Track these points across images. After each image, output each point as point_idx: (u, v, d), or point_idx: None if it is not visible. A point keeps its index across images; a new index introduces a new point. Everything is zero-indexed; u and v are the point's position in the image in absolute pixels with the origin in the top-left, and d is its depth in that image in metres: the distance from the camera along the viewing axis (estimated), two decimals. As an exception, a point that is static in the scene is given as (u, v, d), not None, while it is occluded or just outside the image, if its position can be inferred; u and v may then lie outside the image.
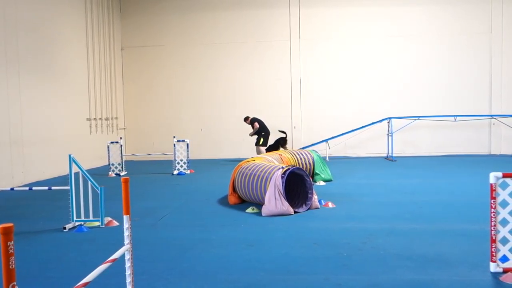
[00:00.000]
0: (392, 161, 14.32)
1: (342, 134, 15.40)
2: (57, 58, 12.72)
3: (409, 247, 5.02)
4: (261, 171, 7.17)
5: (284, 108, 16.35)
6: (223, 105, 16.55)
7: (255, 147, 14.61)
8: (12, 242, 1.87)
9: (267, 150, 14.25)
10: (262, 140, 14.41)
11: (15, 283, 1.88)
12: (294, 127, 16.33)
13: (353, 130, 15.35)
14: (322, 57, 16.21)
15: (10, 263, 1.86)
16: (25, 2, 11.17)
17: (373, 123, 15.28)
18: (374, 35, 15.99)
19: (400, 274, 4.21)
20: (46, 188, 7.11)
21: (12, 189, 7.38)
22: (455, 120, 15.17)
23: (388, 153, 15.21)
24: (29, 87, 11.23)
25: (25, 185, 10.45)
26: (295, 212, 6.86)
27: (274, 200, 6.70)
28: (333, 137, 15.37)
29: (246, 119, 14.82)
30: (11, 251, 1.85)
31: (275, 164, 7.75)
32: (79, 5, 13.98)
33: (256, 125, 14.44)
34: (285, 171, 6.84)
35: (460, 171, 11.54)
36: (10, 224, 1.86)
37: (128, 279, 3.35)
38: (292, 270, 4.40)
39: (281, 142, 14.44)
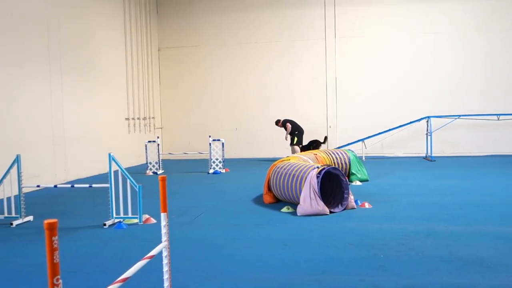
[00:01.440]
0: (431, 161, 13.97)
1: (379, 133, 15.15)
2: (97, 59, 13.09)
3: (448, 250, 4.89)
4: (296, 171, 7.15)
5: (319, 107, 16.24)
6: (258, 104, 16.60)
7: (290, 147, 14.60)
8: (56, 237, 1.94)
9: (302, 150, 14.20)
10: (296, 139, 14.36)
11: (59, 276, 1.96)
12: (330, 127, 16.20)
13: (390, 130, 15.07)
14: (358, 56, 15.99)
15: (55, 257, 1.93)
16: (66, 6, 11.55)
17: (411, 122, 14.96)
18: (411, 32, 15.64)
19: (438, 277, 4.11)
20: (87, 185, 7.33)
21: (55, 186, 7.66)
22: (498, 119, 14.65)
23: (427, 153, 14.85)
24: (71, 87, 11.61)
25: (67, 183, 10.82)
26: (330, 212, 6.80)
27: (309, 200, 6.66)
28: (369, 137, 15.14)
29: (277, 122, 14.81)
30: (56, 246, 1.93)
31: (310, 163, 7.71)
32: (118, 8, 14.33)
33: (289, 126, 14.41)
34: (321, 170, 6.79)
35: (502, 172, 11.14)
36: (55, 220, 1.94)
37: (166, 276, 3.42)
38: (327, 271, 4.37)
39: (313, 145, 14.34)
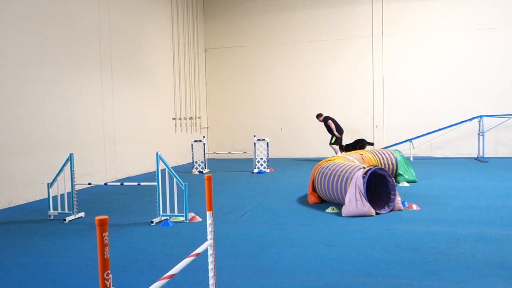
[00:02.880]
0: (483, 162, 13.41)
1: (428, 133, 14.69)
2: (146, 62, 13.45)
3: (501, 255, 4.68)
4: (342, 171, 7.06)
5: (365, 107, 15.95)
6: (303, 104, 16.51)
7: (329, 146, 14.50)
8: (107, 233, 2.01)
9: (346, 149, 14.06)
10: (335, 139, 14.23)
11: (109, 271, 2.03)
12: (376, 126, 15.88)
13: (439, 129, 14.58)
14: (407, 53, 15.57)
15: (105, 252, 2.00)
16: (117, 12, 11.94)
17: (462, 121, 14.40)
18: (463, 28, 15.06)
19: (490, 283, 3.94)
20: (136, 183, 7.55)
21: (105, 184, 7.93)
22: (557, 118, 13.86)
23: (478, 153, 14.27)
24: (121, 89, 12.00)
25: (117, 181, 11.19)
26: (376, 213, 6.67)
27: (355, 201, 6.56)
28: (417, 137, 14.72)
29: (319, 116, 14.57)
30: (106, 241, 2.00)
31: (356, 163, 7.60)
32: (166, 11, 14.67)
33: (331, 124, 14.21)
34: (367, 171, 6.68)
35: None
36: (105, 217, 2.01)
37: (211, 274, 3.47)
38: (372, 273, 4.29)
39: (359, 144, 14.12)
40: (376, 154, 9.68)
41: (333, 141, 14.21)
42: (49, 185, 7.14)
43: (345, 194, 6.73)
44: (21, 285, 4.27)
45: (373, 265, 4.50)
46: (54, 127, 9.56)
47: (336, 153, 14.00)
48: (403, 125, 15.45)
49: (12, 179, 8.40)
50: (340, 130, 14.29)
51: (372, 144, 14.49)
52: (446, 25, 15.20)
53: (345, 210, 6.67)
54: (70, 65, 10.12)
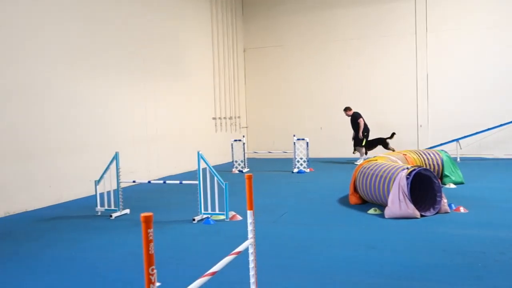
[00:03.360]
0: (535, 163, 12.79)
1: (476, 133, 14.15)
2: (186, 62, 13.65)
3: (557, 261, 4.45)
4: (384, 171, 6.92)
5: (409, 105, 15.54)
6: (343, 103, 16.25)
7: (354, 147, 14.03)
8: (152, 229, 2.05)
9: (367, 147, 13.90)
10: (365, 141, 13.82)
11: (154, 266, 2.07)
12: (420, 126, 15.45)
13: (489, 129, 14.01)
14: (452, 50, 15.05)
15: (150, 248, 2.04)
16: (157, 12, 12.20)
17: (513, 121, 13.80)
18: (510, 22, 14.41)
19: (545, 291, 3.75)
20: (178, 182, 7.69)
21: (149, 182, 8.13)
22: None
23: (530, 154, 13.62)
24: (163, 89, 12.24)
25: (159, 179, 11.41)
26: (421, 215, 6.49)
27: (398, 202, 6.41)
28: (465, 136, 14.20)
29: (347, 109, 14.00)
30: (151, 238, 2.04)
31: (399, 164, 7.42)
32: (205, 12, 14.84)
33: (362, 122, 13.70)
34: (411, 171, 6.51)
35: None
36: (150, 214, 2.05)
37: (251, 272, 3.47)
38: (417, 277, 4.17)
39: (379, 143, 13.95)
40: (421, 154, 9.42)
41: (363, 143, 13.77)
42: (97, 183, 7.38)
43: (388, 195, 6.58)
44: (69, 277, 4.43)
45: (417, 269, 4.37)
46: (101, 127, 9.87)
47: (361, 155, 13.74)
48: (449, 125, 14.95)
49: (62, 177, 8.74)
50: (368, 130, 13.96)
51: (393, 135, 14.03)
52: (493, 20, 14.59)
53: (388, 212, 6.53)
54: (115, 67, 10.41)
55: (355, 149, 14.09)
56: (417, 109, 15.47)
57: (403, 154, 9.15)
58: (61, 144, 8.79)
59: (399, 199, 6.42)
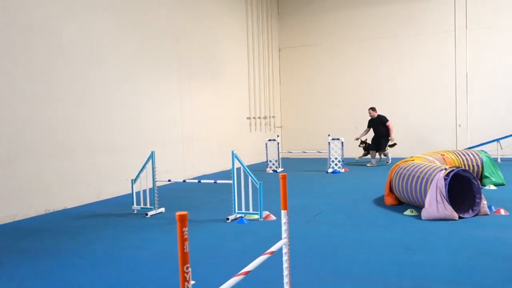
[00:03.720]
0: None
1: (518, 133, 13.64)
2: (222, 62, 13.77)
3: None
4: (421, 172, 6.77)
5: (447, 105, 15.13)
6: (378, 102, 16.01)
7: (369, 151, 13.58)
8: (187, 228, 2.08)
9: (367, 149, 13.60)
10: (390, 143, 13.43)
11: (188, 265, 2.10)
12: (459, 125, 15.02)
13: (532, 129, 13.48)
14: (493, 47, 14.55)
15: (185, 247, 2.07)
16: (193, 13, 12.34)
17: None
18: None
19: None
20: (212, 181, 7.76)
21: (184, 181, 8.24)
22: None
23: None
24: (198, 89, 12.39)
25: (194, 178, 11.56)
26: (459, 217, 6.31)
27: (436, 203, 6.26)
28: (506, 136, 13.69)
29: (373, 109, 13.53)
30: (186, 236, 2.07)
31: (436, 164, 7.24)
32: (240, 12, 14.92)
33: (392, 126, 13.22)
34: (449, 172, 6.34)
35: None
36: (185, 212, 2.08)
37: (285, 272, 3.47)
38: (454, 280, 4.06)
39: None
40: (459, 155, 9.16)
41: (390, 143, 13.34)
42: (133, 181, 7.55)
43: (425, 196, 6.44)
44: (105, 274, 4.55)
45: (455, 272, 4.26)
46: (137, 127, 10.09)
47: (373, 159, 13.37)
48: (490, 124, 14.46)
49: (100, 175, 8.99)
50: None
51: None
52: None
53: (425, 213, 6.39)
54: (152, 68, 10.61)
55: (368, 153, 13.64)
56: (456, 108, 15.05)
57: (441, 155, 8.93)
58: (99, 143, 9.04)
59: (436, 200, 6.27)
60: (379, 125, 13.28)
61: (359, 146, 13.83)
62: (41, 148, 7.81)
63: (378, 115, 13.36)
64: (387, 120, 13.24)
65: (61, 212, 7.94)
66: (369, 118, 13.60)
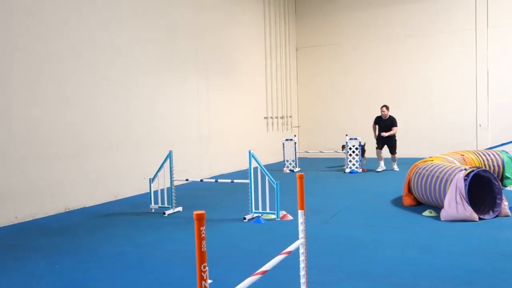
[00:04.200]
0: None
1: (540, 133, 13.35)
2: (239, 61, 13.79)
3: None
4: (440, 172, 6.68)
5: (467, 104, 14.89)
6: (398, 102, 15.85)
7: (377, 155, 12.43)
8: (204, 227, 2.09)
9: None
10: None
11: (206, 264, 2.11)
12: (480, 125, 14.76)
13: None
14: (516, 46, 14.29)
15: (202, 246, 2.08)
16: (211, 13, 12.39)
17: None
18: None
19: None
20: (229, 181, 7.79)
21: (201, 180, 8.28)
22: None
23: None
24: (215, 88, 12.44)
25: (211, 177, 11.61)
26: (480, 218, 6.21)
27: (455, 204, 6.17)
28: (528, 136, 13.44)
29: (387, 108, 12.22)
30: (203, 235, 2.08)
31: (456, 165, 7.14)
32: (258, 11, 14.92)
33: (396, 130, 12.19)
34: (469, 172, 6.24)
35: None
36: (203, 211, 2.09)
37: (302, 272, 3.47)
38: (473, 283, 4.00)
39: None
40: (480, 155, 9.01)
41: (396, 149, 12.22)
42: (151, 181, 7.62)
43: (444, 196, 6.35)
44: (123, 272, 4.60)
45: (474, 274, 4.19)
46: (155, 126, 10.17)
47: (380, 160, 12.27)
48: (511, 124, 14.19)
49: (118, 174, 9.09)
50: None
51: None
52: None
53: (444, 214, 6.30)
54: (169, 68, 10.69)
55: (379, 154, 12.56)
56: (476, 107, 14.80)
57: (461, 155, 8.79)
58: (117, 143, 9.13)
59: (456, 201, 6.18)
60: (388, 126, 12.14)
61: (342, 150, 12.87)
62: (61, 148, 7.93)
63: (390, 116, 12.27)
64: (396, 125, 12.16)
65: (80, 210, 8.05)
66: (378, 115, 12.40)
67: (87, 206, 8.34)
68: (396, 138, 12.30)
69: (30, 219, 7.29)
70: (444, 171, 6.62)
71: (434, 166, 7.04)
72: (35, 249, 5.56)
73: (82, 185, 8.30)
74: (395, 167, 12.28)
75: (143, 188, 9.17)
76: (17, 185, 7.15)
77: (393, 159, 12.42)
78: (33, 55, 7.48)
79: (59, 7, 7.97)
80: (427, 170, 7.06)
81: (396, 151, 12.34)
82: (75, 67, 8.25)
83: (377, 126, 12.48)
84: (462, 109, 14.90)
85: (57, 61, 7.91)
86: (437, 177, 6.66)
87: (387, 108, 12.30)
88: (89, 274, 4.58)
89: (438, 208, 6.67)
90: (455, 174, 6.31)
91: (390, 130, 12.09)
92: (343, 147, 12.95)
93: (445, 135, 14.78)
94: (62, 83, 7.99)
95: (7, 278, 4.53)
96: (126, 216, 7.46)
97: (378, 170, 12.20)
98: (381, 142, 12.31)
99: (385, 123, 12.21)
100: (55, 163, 7.81)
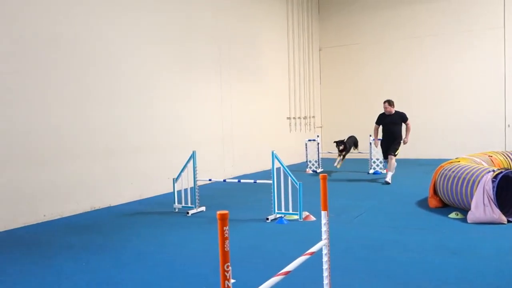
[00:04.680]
0: None
1: None
2: (262, 62, 13.80)
3: None
4: (467, 174, 6.54)
5: (495, 104, 14.53)
6: (421, 102, 15.60)
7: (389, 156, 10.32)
8: (227, 227, 2.10)
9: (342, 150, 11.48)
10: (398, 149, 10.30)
11: (229, 263, 2.12)
12: (508, 126, 14.40)
13: None
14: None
15: (225, 246, 2.09)
16: (234, 12, 12.43)
17: None
18: None
19: None
20: (252, 181, 7.79)
21: (224, 180, 8.31)
22: None
23: None
24: (238, 89, 12.47)
25: (234, 178, 11.64)
26: (508, 221, 6.06)
27: (483, 206, 6.03)
28: (559, 137, 13.05)
29: (391, 103, 10.40)
30: (226, 235, 2.09)
31: (484, 166, 6.98)
32: (281, 12, 14.90)
33: (410, 125, 10.51)
34: (497, 174, 6.10)
35: None
36: (226, 211, 2.10)
37: (325, 273, 3.45)
38: (502, 286, 3.90)
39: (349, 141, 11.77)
40: (508, 156, 8.79)
41: (397, 152, 10.23)
42: (174, 180, 7.69)
43: (471, 198, 6.22)
44: (147, 271, 4.66)
45: (503, 279, 4.09)
46: (178, 126, 10.27)
47: (391, 170, 10.17)
48: (542, 124, 13.81)
49: (143, 174, 9.21)
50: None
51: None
52: None
53: (471, 216, 6.17)
54: (192, 68, 10.78)
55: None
56: (505, 107, 14.44)
57: (489, 156, 8.59)
58: (141, 143, 9.25)
59: (483, 203, 6.05)
60: (395, 124, 10.29)
61: (338, 148, 11.68)
62: (87, 148, 8.08)
63: (396, 112, 10.40)
64: (407, 119, 10.37)
65: (105, 209, 8.19)
66: (381, 113, 10.67)
67: (112, 205, 8.47)
68: (406, 141, 10.41)
69: (58, 217, 7.46)
70: (471, 173, 6.49)
71: (460, 168, 6.90)
72: (63, 246, 5.69)
73: (107, 185, 8.44)
74: (388, 178, 9.99)
75: (167, 188, 9.27)
76: (45, 184, 7.32)
77: (390, 167, 10.09)
78: (60, 60, 7.64)
79: (87, 6, 8.12)
80: (453, 172, 6.93)
81: (397, 153, 10.17)
82: (101, 71, 8.39)
83: (380, 127, 10.55)
84: (489, 110, 14.56)
85: (83, 65, 8.06)
86: (464, 178, 6.53)
87: (390, 103, 10.37)
88: (116, 272, 4.65)
89: (464, 210, 6.54)
90: (483, 176, 6.17)
91: (398, 128, 10.22)
92: (337, 144, 11.72)
93: (471, 136, 14.47)
94: (88, 86, 8.14)
95: (36, 275, 4.64)
96: (150, 215, 7.55)
97: (388, 180, 9.94)
98: (386, 144, 10.36)
99: (391, 121, 10.28)
100: (81, 163, 7.96)
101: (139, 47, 9.24)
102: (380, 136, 10.76)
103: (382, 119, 10.54)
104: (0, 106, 6.75)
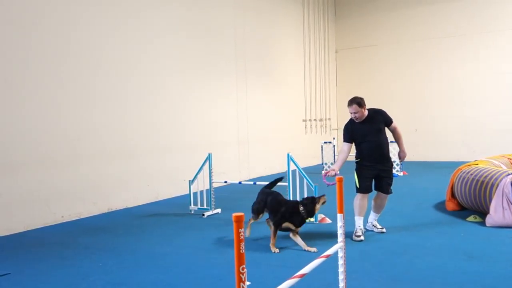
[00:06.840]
0: None
1: None
2: (277, 64, 13.81)
3: None
4: (486, 177, 6.44)
5: (514, 106, 14.32)
6: (439, 103, 15.43)
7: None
8: (243, 229, 2.11)
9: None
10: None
11: (244, 265, 2.12)
12: (528, 128, 14.16)
13: None
14: None
15: (241, 247, 2.10)
16: (250, 15, 12.46)
17: None
18: None
19: None
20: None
21: (239, 182, 8.33)
22: None
23: None
24: (254, 91, 12.50)
25: (249, 180, 11.65)
26: (528, 225, 5.95)
27: (502, 210, 5.94)
28: None
29: (360, 104, 6.34)
30: (242, 237, 2.10)
31: (503, 169, 6.87)
32: (297, 14, 14.90)
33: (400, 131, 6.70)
34: (516, 177, 5.99)
35: None
36: (241, 214, 2.11)
37: (341, 276, 3.43)
38: (523, 292, 3.84)
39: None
40: (528, 159, 8.62)
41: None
42: (190, 182, 7.73)
43: (490, 202, 6.12)
44: (162, 272, 4.69)
45: (524, 283, 4.02)
46: (194, 129, 10.33)
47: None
48: None
49: (159, 176, 9.28)
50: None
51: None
52: None
53: (489, 220, 6.07)
54: (208, 71, 10.83)
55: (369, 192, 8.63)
56: (525, 109, 14.21)
57: (508, 158, 8.45)
58: (158, 145, 9.33)
59: (502, 206, 5.95)
60: (378, 131, 6.42)
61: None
62: (104, 151, 8.18)
63: (371, 112, 6.61)
64: (392, 120, 6.78)
65: (122, 211, 8.27)
66: (347, 122, 6.53)
67: (128, 206, 8.56)
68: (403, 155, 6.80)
69: (76, 218, 7.56)
70: (490, 176, 6.39)
71: (479, 170, 6.80)
72: (80, 247, 5.76)
73: (124, 187, 8.53)
74: (378, 225, 6.13)
75: (182, 190, 9.32)
76: (63, 186, 7.43)
77: (381, 209, 6.22)
78: (77, 61, 7.76)
79: (101, 6, 8.23)
80: (471, 174, 6.83)
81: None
82: (118, 73, 8.48)
83: (352, 145, 6.26)
84: (509, 112, 14.33)
85: (102, 66, 8.17)
86: (482, 181, 6.43)
87: (359, 104, 6.33)
88: (132, 273, 4.70)
89: (483, 213, 6.44)
90: (502, 179, 6.07)
91: (382, 134, 6.44)
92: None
93: (491, 138, 14.26)
94: (105, 88, 8.24)
95: (55, 275, 4.71)
96: (166, 216, 7.60)
97: (357, 238, 5.66)
98: (372, 170, 6.13)
99: (371, 126, 6.37)
100: (99, 165, 8.06)
101: (155, 47, 9.32)
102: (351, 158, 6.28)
103: (355, 132, 6.24)
104: (16, 110, 6.87)
